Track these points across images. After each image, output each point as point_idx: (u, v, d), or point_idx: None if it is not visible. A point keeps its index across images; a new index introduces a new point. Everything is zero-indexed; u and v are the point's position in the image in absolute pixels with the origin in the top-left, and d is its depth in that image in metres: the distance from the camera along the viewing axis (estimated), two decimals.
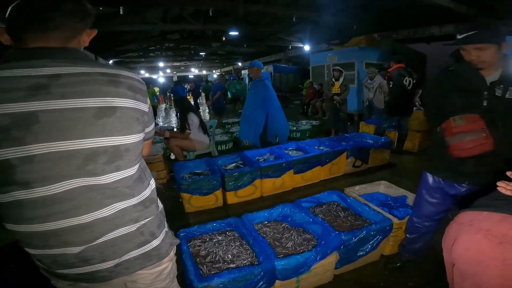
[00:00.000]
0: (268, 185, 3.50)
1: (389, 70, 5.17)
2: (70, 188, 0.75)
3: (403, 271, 2.10)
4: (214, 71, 27.52)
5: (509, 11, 5.83)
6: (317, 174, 3.85)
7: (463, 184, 1.66)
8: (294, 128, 6.38)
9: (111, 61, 13.76)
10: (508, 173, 1.05)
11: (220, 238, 2.13)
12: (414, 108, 5.08)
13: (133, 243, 0.88)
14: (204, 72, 29.08)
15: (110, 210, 0.81)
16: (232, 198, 3.32)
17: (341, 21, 8.14)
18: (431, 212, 1.86)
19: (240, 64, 20.21)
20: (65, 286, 0.91)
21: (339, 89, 5.79)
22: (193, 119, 4.09)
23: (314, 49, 11.36)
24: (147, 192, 0.91)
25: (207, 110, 12.80)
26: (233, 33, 9.19)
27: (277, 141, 4.66)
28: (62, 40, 0.79)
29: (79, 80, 0.73)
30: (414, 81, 4.73)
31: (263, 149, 4.14)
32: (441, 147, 1.59)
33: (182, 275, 1.79)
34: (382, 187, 2.92)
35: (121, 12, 6.11)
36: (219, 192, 3.24)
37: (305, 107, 10.40)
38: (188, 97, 9.87)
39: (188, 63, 22.14)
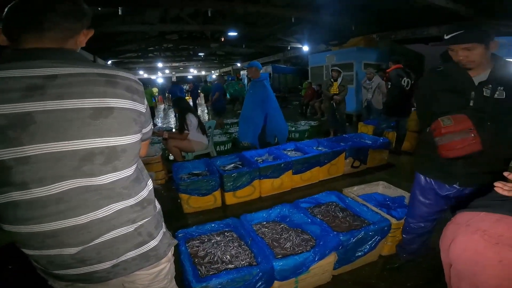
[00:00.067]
0: (267, 186, 3.50)
1: (387, 70, 5.18)
2: (67, 189, 0.75)
3: (401, 271, 2.11)
4: (213, 71, 27.53)
5: (508, 11, 5.85)
6: (316, 174, 3.85)
7: (454, 185, 1.66)
8: (293, 129, 6.38)
9: (109, 62, 13.76)
10: (505, 174, 1.05)
11: (218, 238, 2.13)
12: (413, 109, 5.09)
13: (130, 243, 0.88)
14: (203, 72, 29.09)
15: (107, 210, 0.81)
16: (231, 198, 3.32)
17: (340, 22, 8.17)
18: (425, 213, 1.86)
19: (239, 64, 20.23)
20: (62, 287, 0.90)
21: (337, 90, 5.80)
22: (191, 119, 4.09)
23: (313, 49, 11.38)
24: (144, 193, 0.91)
25: (206, 111, 12.80)
26: (232, 33, 9.21)
27: (276, 141, 4.66)
28: (58, 40, 0.79)
29: (76, 81, 0.73)
30: (412, 82, 4.74)
31: (261, 149, 4.14)
32: (431, 147, 1.59)
33: (180, 276, 1.78)
34: (381, 188, 2.92)
35: (119, 13, 6.11)
36: (217, 193, 3.24)
37: (303, 107, 10.41)
38: (186, 97, 9.87)
39: (187, 64, 22.15)
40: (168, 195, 3.68)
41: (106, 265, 0.85)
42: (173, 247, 1.05)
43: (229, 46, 13.54)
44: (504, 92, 1.43)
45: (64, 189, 0.74)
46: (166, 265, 1.01)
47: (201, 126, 4.27)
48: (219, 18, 9.11)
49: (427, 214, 1.86)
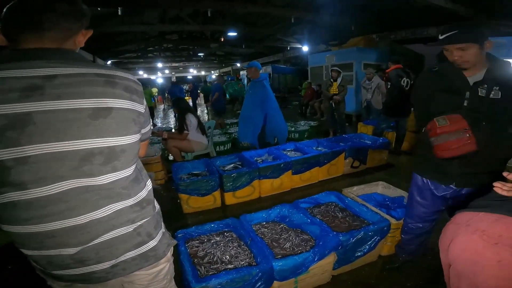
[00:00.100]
0: (266, 186, 3.50)
1: (387, 71, 5.18)
2: (66, 189, 0.75)
3: (401, 271, 2.11)
4: (212, 71, 27.54)
5: (507, 11, 5.86)
6: (316, 174, 3.85)
7: (450, 186, 1.66)
8: (293, 129, 6.38)
9: (109, 62, 13.76)
10: (505, 174, 1.05)
11: (218, 239, 2.13)
12: (412, 109, 5.08)
13: (129, 244, 0.88)
14: (203, 73, 29.10)
15: (106, 211, 0.81)
16: (231, 199, 3.32)
17: (340, 22, 8.17)
18: (422, 213, 1.87)
19: (238, 65, 20.24)
20: (62, 287, 0.90)
21: (337, 90, 5.81)
22: (191, 120, 4.08)
23: (313, 49, 11.39)
24: (143, 193, 0.91)
25: (205, 111, 12.80)
26: (232, 33, 9.21)
27: (275, 141, 4.66)
28: (57, 40, 0.79)
29: (75, 81, 0.73)
30: (412, 82, 4.73)
31: (261, 150, 4.14)
32: (427, 148, 1.59)
33: (180, 276, 1.78)
34: (380, 188, 2.92)
35: (119, 13, 6.11)
36: (217, 193, 3.24)
37: (303, 107, 10.42)
38: (186, 98, 9.87)
39: (186, 64, 22.17)
40: (167, 195, 3.68)
41: (105, 265, 0.85)
42: (172, 247, 1.05)
43: (229, 46, 13.55)
44: (500, 92, 1.43)
45: (63, 189, 0.74)
46: (165, 265, 1.01)
47: (200, 126, 4.27)
48: (219, 18, 9.12)
49: (425, 214, 1.86)
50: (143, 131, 0.90)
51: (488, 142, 1.45)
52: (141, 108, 0.87)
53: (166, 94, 15.34)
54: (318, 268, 1.89)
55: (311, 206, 2.60)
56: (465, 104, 1.50)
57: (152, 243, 0.93)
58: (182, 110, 4.14)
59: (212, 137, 4.74)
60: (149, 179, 0.98)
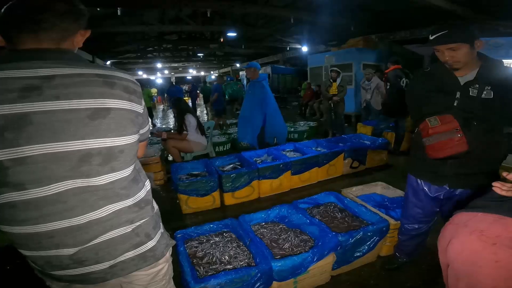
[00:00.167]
0: (266, 186, 3.50)
1: (386, 71, 5.18)
2: (64, 190, 0.75)
3: (400, 272, 2.11)
4: (212, 72, 27.54)
5: (506, 12, 5.87)
6: (315, 175, 3.85)
7: (444, 186, 1.65)
8: (292, 129, 6.38)
9: (108, 62, 13.76)
10: (504, 174, 1.05)
11: (217, 239, 2.13)
12: None
13: (128, 244, 0.87)
14: (202, 73, 29.10)
15: (104, 211, 0.81)
16: (230, 199, 3.32)
17: (339, 23, 8.18)
18: (417, 214, 1.86)
19: (238, 65, 20.27)
20: (60, 287, 0.90)
21: (337, 90, 5.81)
22: (190, 120, 4.08)
23: (312, 50, 11.40)
24: (142, 193, 0.91)
25: (205, 111, 12.80)
26: (231, 34, 9.21)
27: (275, 142, 4.66)
28: (55, 41, 0.79)
29: (73, 82, 0.73)
30: None
31: (260, 150, 4.14)
32: (421, 148, 1.58)
33: (179, 277, 1.78)
34: (379, 188, 2.93)
35: (118, 13, 6.11)
36: (216, 193, 3.24)
37: (302, 108, 10.42)
38: (185, 98, 9.87)
39: (186, 64, 22.18)
40: (167, 196, 3.68)
41: (104, 265, 0.85)
42: (171, 248, 1.05)
43: (228, 47, 13.55)
44: (492, 92, 1.42)
45: (62, 189, 0.74)
46: (164, 266, 1.01)
47: (200, 126, 4.27)
48: (219, 19, 9.12)
49: (420, 215, 1.86)
50: (141, 131, 0.90)
51: (480, 142, 1.44)
52: (140, 108, 0.87)
53: (165, 95, 15.35)
54: (317, 269, 1.89)
55: (310, 206, 2.60)
56: (455, 104, 1.50)
57: (150, 244, 0.93)
58: (181, 111, 4.14)
59: (211, 137, 4.74)
60: (148, 180, 0.98)
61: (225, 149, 5.61)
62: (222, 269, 1.82)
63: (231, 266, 1.85)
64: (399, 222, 2.13)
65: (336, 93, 5.80)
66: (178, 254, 1.84)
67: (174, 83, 12.42)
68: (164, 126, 9.25)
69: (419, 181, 1.78)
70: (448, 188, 1.65)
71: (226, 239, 2.13)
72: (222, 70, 25.18)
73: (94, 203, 0.79)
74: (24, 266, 0.95)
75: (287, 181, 3.63)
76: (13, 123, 0.67)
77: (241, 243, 2.08)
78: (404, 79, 4.71)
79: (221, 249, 2.00)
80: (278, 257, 1.91)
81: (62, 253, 0.79)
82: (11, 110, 0.67)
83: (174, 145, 4.11)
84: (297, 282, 1.86)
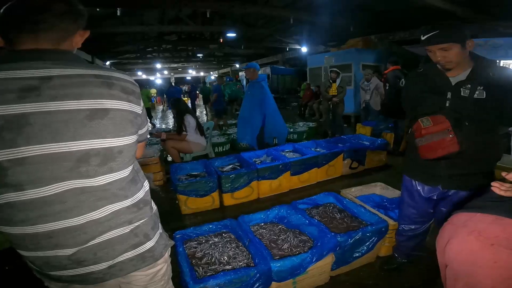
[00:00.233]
0: (265, 187, 3.50)
1: (385, 72, 5.19)
2: (62, 190, 0.75)
3: (399, 272, 2.11)
4: (211, 72, 27.54)
5: (505, 12, 5.88)
6: (314, 176, 3.86)
7: (437, 187, 1.65)
8: (291, 130, 6.39)
9: (108, 63, 13.75)
10: (503, 174, 1.05)
11: (216, 239, 2.13)
12: None
13: (127, 244, 0.87)
14: (202, 73, 29.10)
15: (103, 212, 0.81)
16: (229, 200, 3.32)
17: (338, 23, 8.19)
18: (413, 215, 1.87)
19: (237, 65, 20.26)
20: (58, 287, 0.90)
21: (336, 91, 5.82)
22: (189, 120, 4.08)
23: (311, 51, 11.41)
24: (140, 194, 0.91)
25: (204, 112, 12.80)
26: (231, 34, 9.22)
27: (275, 142, 4.66)
28: (54, 41, 0.79)
29: (71, 82, 0.73)
30: None
31: (260, 150, 4.14)
32: (414, 149, 1.58)
33: (178, 277, 1.78)
34: (378, 189, 2.93)
35: (118, 13, 6.11)
36: (215, 194, 3.24)
37: (302, 109, 10.43)
38: (185, 99, 9.87)
39: (185, 65, 22.16)
40: (166, 196, 3.67)
41: (102, 266, 0.85)
42: (169, 248, 1.05)
43: (228, 47, 13.56)
44: (485, 92, 1.41)
45: (60, 190, 0.74)
46: (162, 266, 1.01)
47: (199, 127, 4.27)
48: (218, 19, 9.13)
49: (415, 215, 1.86)
50: (140, 132, 0.90)
51: (473, 142, 1.43)
52: (139, 109, 0.87)
53: (165, 95, 15.34)
54: (316, 269, 1.89)
55: (310, 207, 2.60)
56: (447, 104, 1.50)
57: (149, 244, 0.93)
58: (181, 111, 4.14)
59: (210, 138, 4.74)
60: (146, 180, 0.98)
61: (224, 149, 5.61)
62: (221, 269, 1.82)
63: (230, 266, 1.85)
64: (397, 222, 2.13)
65: (336, 94, 5.81)
66: (177, 254, 1.83)
67: (173, 84, 12.40)
68: (163, 127, 9.25)
69: (413, 181, 1.78)
70: (441, 189, 1.65)
71: (225, 240, 2.13)
72: (221, 71, 25.17)
73: (92, 204, 0.79)
74: (23, 267, 0.95)
75: (287, 182, 3.63)
76: (12, 124, 0.67)
77: (240, 244, 2.08)
78: (403, 79, 4.71)
79: (220, 250, 2.00)
80: (277, 257, 1.91)
81: (61, 253, 0.79)
82: (9, 110, 0.67)
83: (173, 146, 4.11)
84: (296, 283, 1.86)
